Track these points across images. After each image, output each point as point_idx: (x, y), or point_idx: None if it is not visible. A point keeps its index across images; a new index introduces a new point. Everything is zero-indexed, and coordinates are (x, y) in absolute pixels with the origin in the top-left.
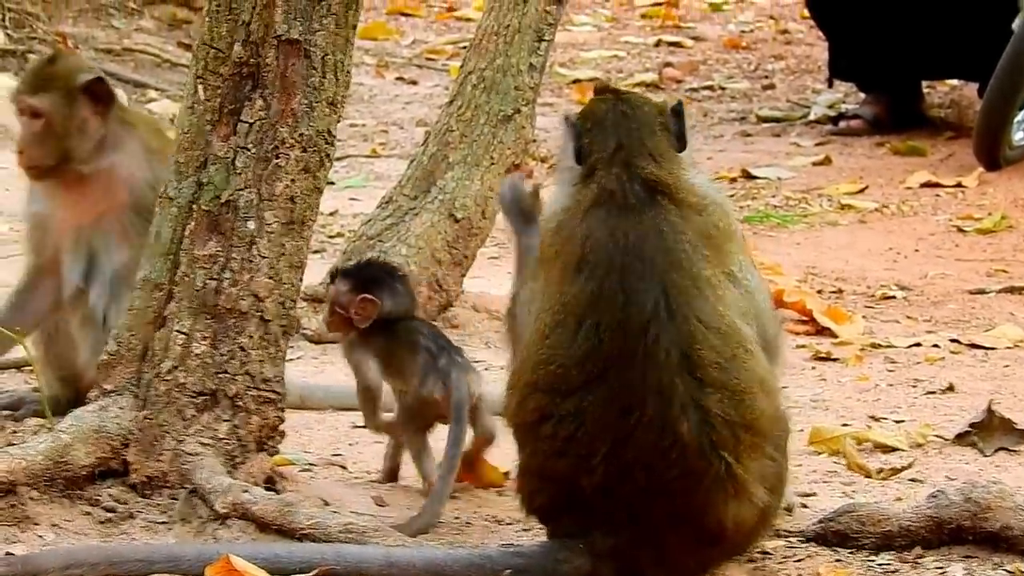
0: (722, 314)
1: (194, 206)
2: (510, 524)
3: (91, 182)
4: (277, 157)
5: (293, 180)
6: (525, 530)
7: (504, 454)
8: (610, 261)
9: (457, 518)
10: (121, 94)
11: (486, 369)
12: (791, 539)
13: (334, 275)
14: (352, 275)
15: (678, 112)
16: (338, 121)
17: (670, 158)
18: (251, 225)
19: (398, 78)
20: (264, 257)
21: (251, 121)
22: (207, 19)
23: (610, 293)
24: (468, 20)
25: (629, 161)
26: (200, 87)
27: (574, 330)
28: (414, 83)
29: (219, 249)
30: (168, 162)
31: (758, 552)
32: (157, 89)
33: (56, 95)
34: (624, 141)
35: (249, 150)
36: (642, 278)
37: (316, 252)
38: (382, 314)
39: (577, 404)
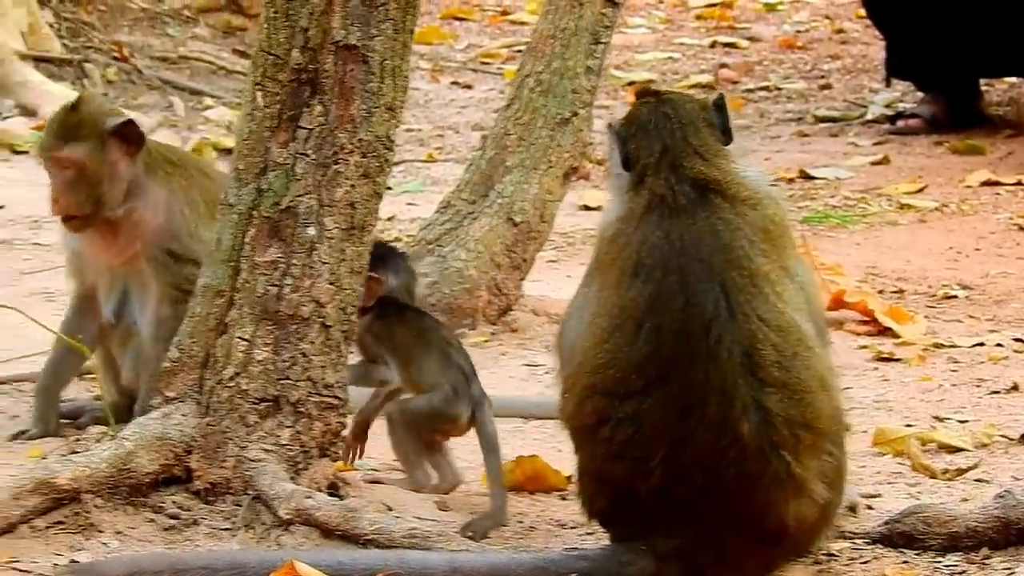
0: (781, 311)
1: (254, 212)
2: (573, 528)
3: (118, 226)
4: (337, 163)
5: (353, 185)
6: (588, 533)
7: (566, 458)
8: (667, 264)
9: (520, 522)
10: (177, 102)
11: (546, 373)
12: (856, 541)
13: None
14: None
15: (720, 106)
16: (397, 126)
17: (717, 153)
18: (311, 231)
19: (453, 82)
20: (325, 263)
21: (310, 127)
22: (265, 26)
23: (669, 295)
24: (521, 23)
25: (676, 163)
26: (259, 94)
27: (633, 333)
28: (469, 87)
29: (280, 255)
30: (198, 201)
31: (823, 554)
32: (213, 96)
33: (88, 143)
34: (669, 143)
35: (309, 156)
36: (701, 279)
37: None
38: (387, 292)
39: (636, 407)
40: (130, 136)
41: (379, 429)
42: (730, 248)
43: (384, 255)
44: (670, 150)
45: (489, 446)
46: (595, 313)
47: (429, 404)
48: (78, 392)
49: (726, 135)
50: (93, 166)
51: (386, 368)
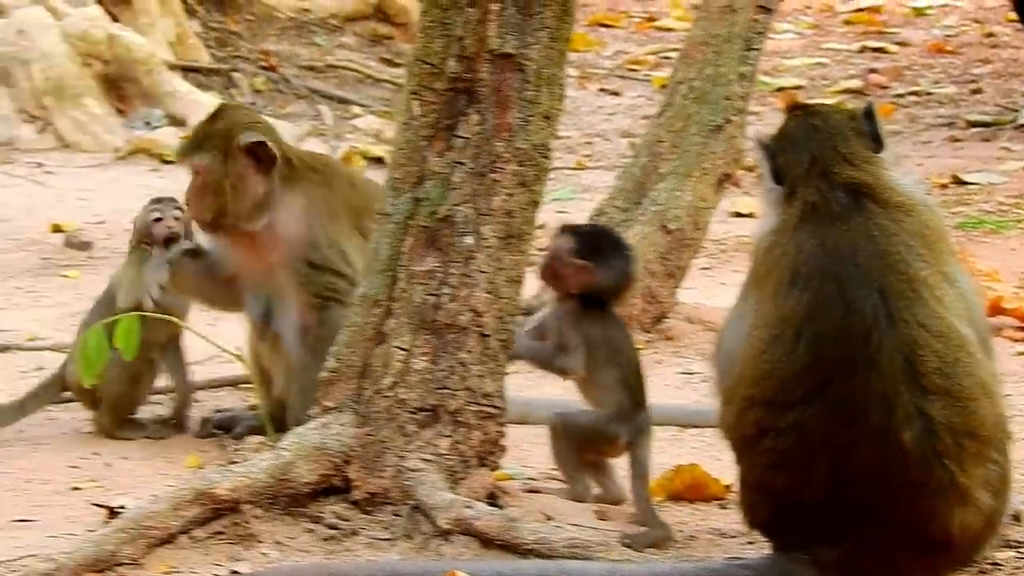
0: (941, 317)
1: (411, 222)
2: (734, 537)
3: (257, 239)
4: (493, 172)
5: (510, 194)
6: (749, 543)
7: (725, 467)
8: (824, 271)
9: (680, 531)
10: (325, 111)
11: (702, 381)
12: (1021, 549)
13: (563, 229)
14: (578, 235)
15: (869, 114)
16: (553, 134)
17: (868, 160)
18: (469, 240)
19: (601, 89)
20: (483, 272)
21: (467, 136)
22: (421, 35)
23: (828, 303)
24: (668, 30)
25: (826, 170)
26: (415, 103)
27: (792, 343)
28: (617, 94)
29: (437, 264)
30: (339, 211)
31: (988, 563)
32: (360, 105)
33: (214, 153)
34: (817, 153)
35: (465, 165)
36: (859, 285)
37: (529, 266)
38: (596, 287)
39: (797, 417)
40: (261, 155)
41: (533, 436)
42: (887, 253)
43: (601, 244)
44: (819, 160)
45: (638, 472)
46: (753, 324)
47: (592, 421)
48: (234, 402)
49: (877, 143)
50: (218, 177)
51: (571, 359)
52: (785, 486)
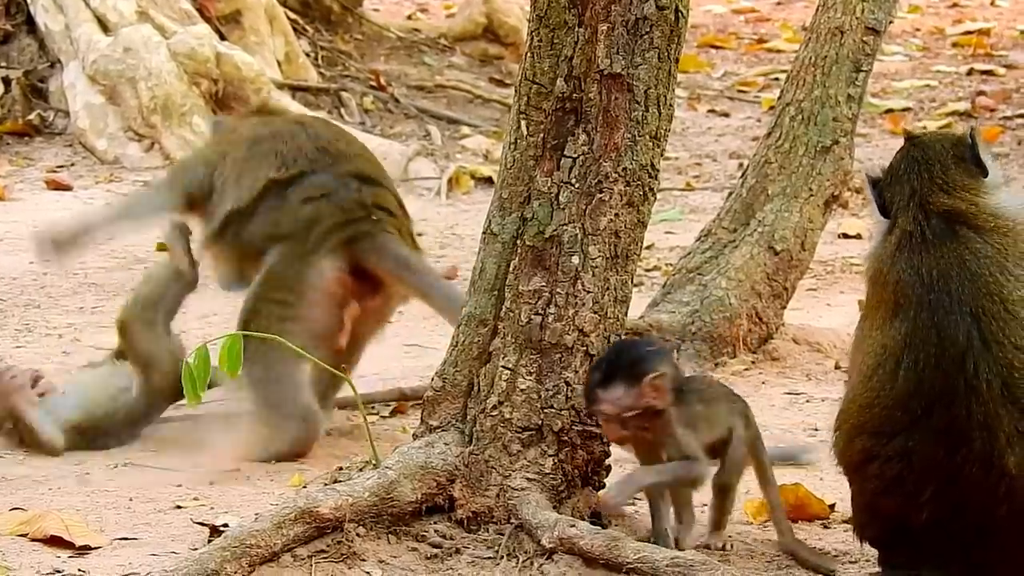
0: None
1: (518, 241)
2: (836, 556)
3: None
4: (601, 191)
5: (617, 214)
6: (852, 562)
7: (828, 486)
8: (920, 300)
9: (784, 553)
10: (434, 131)
11: (807, 402)
12: None
13: (591, 397)
14: (612, 376)
15: (972, 139)
16: (662, 155)
17: (966, 187)
18: (575, 260)
19: (710, 110)
20: (589, 292)
21: (574, 156)
22: (529, 54)
23: (923, 331)
24: (778, 51)
25: (923, 200)
26: (523, 122)
27: (893, 371)
28: (726, 115)
29: (543, 284)
30: None
31: None
32: (470, 125)
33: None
34: (916, 184)
35: (573, 185)
36: (951, 311)
37: (635, 286)
38: (674, 384)
39: (903, 444)
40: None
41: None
42: (978, 277)
43: (649, 353)
44: (917, 191)
45: (765, 480)
46: (864, 352)
47: (740, 442)
48: (339, 421)
49: (980, 168)
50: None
51: (702, 464)
52: (895, 510)
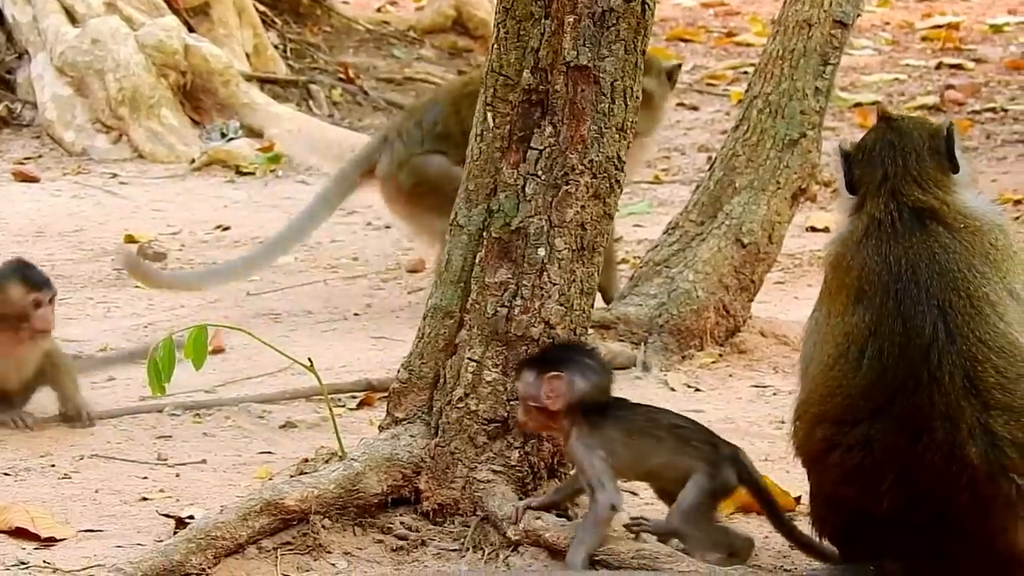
0: (1004, 333)
1: (484, 233)
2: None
3: None
4: (567, 183)
5: (583, 206)
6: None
7: (793, 479)
8: (885, 289)
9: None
10: None
11: (774, 394)
12: None
13: (517, 371)
14: (533, 362)
15: (948, 134)
16: (628, 147)
17: (939, 182)
18: (541, 252)
19: (679, 104)
20: (555, 284)
21: (540, 148)
22: (495, 46)
23: (888, 320)
24: (748, 45)
25: (896, 189)
26: (489, 114)
27: (857, 359)
28: (695, 109)
29: (510, 276)
30: None
31: None
32: None
33: None
34: (890, 170)
35: (539, 177)
36: (918, 302)
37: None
38: (579, 396)
39: (864, 433)
40: None
41: None
42: (947, 271)
43: (567, 357)
44: (890, 177)
45: (764, 500)
46: (823, 340)
47: (699, 489)
48: (305, 414)
49: (952, 164)
50: None
51: (607, 491)
52: (854, 500)
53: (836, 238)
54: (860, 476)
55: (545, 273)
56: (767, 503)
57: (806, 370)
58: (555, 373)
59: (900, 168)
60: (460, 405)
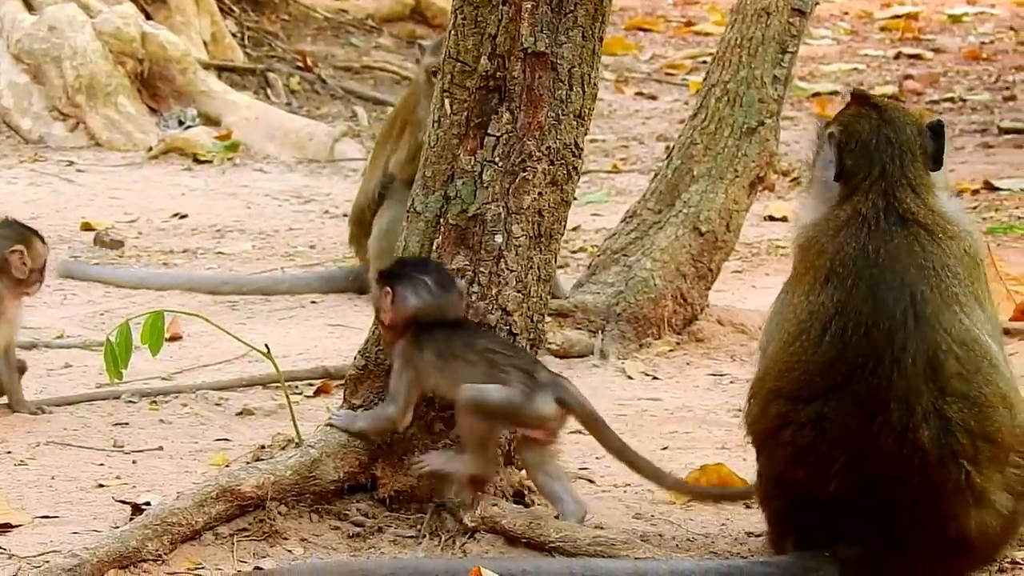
0: (968, 328)
1: (441, 220)
2: (759, 536)
3: None
4: (524, 170)
5: (541, 193)
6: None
7: (751, 466)
8: (859, 271)
9: (705, 530)
10: (361, 112)
11: (731, 382)
12: None
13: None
14: (382, 274)
15: (937, 133)
16: (585, 133)
17: (925, 183)
18: (499, 239)
19: (637, 93)
20: (512, 271)
21: (498, 134)
22: (453, 33)
23: (858, 300)
24: (706, 34)
25: (889, 191)
26: (447, 101)
27: (819, 336)
28: (653, 98)
29: (467, 263)
30: None
31: (1007, 562)
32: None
33: None
34: (888, 168)
35: (496, 163)
36: (892, 287)
37: (560, 267)
38: (409, 312)
39: (818, 410)
40: None
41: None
42: (923, 267)
43: (401, 271)
44: (886, 177)
45: (593, 424)
46: (786, 318)
47: (505, 398)
48: (262, 401)
49: (936, 162)
50: None
51: (390, 406)
52: (803, 482)
53: (810, 223)
54: (811, 455)
55: (502, 260)
56: (598, 430)
57: (766, 350)
58: (387, 288)
59: (897, 169)
60: None
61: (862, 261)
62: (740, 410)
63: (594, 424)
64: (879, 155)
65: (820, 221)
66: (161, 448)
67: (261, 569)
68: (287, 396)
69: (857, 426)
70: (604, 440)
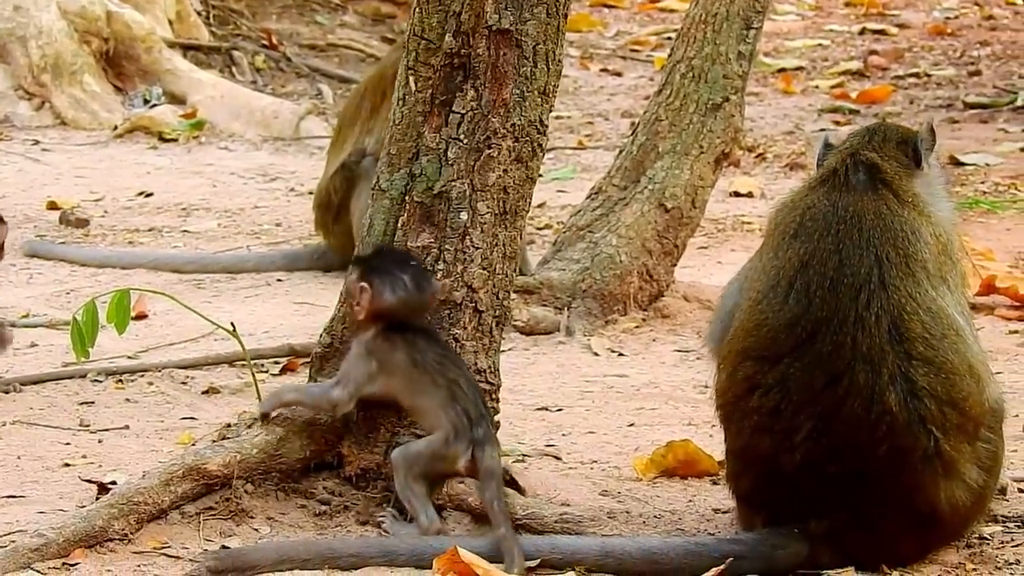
0: (933, 297)
1: (407, 197)
2: (726, 512)
3: None
4: (489, 147)
5: (505, 170)
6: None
7: (718, 444)
8: (827, 226)
9: (672, 507)
10: (326, 90)
11: (698, 359)
12: (1008, 524)
13: (349, 268)
14: (359, 262)
15: (921, 137)
16: (550, 110)
17: (899, 163)
18: (464, 216)
19: (602, 69)
20: (477, 248)
21: (463, 111)
22: (417, 10)
23: (824, 255)
24: (671, 11)
25: (855, 151)
26: (411, 78)
27: (786, 292)
28: (619, 74)
29: (432, 240)
30: None
31: (975, 537)
32: None
33: None
34: (855, 141)
35: (461, 141)
36: (858, 246)
37: (526, 244)
38: (382, 308)
39: (784, 372)
40: None
41: (527, 412)
42: (891, 229)
43: (381, 264)
44: (854, 145)
45: (486, 483)
46: (754, 278)
47: (429, 447)
48: (228, 379)
49: (916, 161)
50: None
51: (337, 390)
52: (771, 450)
53: (787, 194)
54: (777, 421)
55: (467, 237)
56: (484, 489)
57: (728, 310)
58: (364, 284)
59: (865, 141)
60: None
61: (832, 217)
62: (706, 386)
63: (487, 483)
64: (852, 139)
65: (795, 188)
66: (127, 427)
67: (227, 548)
68: (253, 374)
69: (823, 387)
70: (482, 495)
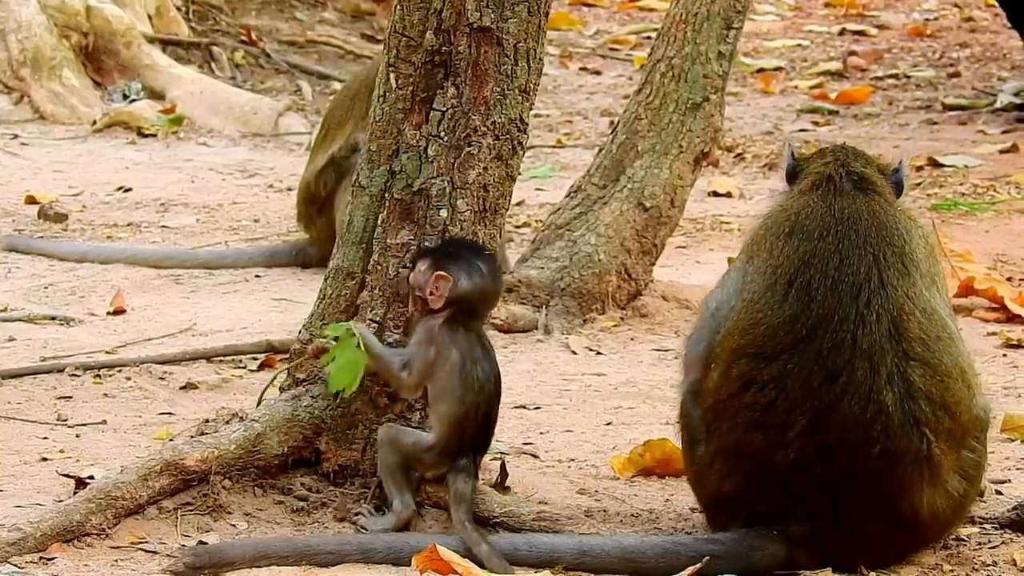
0: (927, 298)
1: (386, 195)
2: (703, 512)
3: None
4: (469, 145)
5: (486, 168)
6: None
7: None
8: (826, 226)
9: (650, 506)
10: (305, 87)
11: (676, 358)
12: (985, 526)
13: (415, 258)
14: (430, 252)
15: (898, 168)
16: (530, 109)
17: (879, 175)
18: (443, 213)
19: (582, 68)
20: None
21: (443, 109)
22: (398, 7)
23: (825, 254)
24: (651, 10)
25: (841, 161)
26: (392, 75)
27: (784, 290)
28: (598, 73)
29: (411, 237)
30: None
31: (952, 539)
32: (340, 81)
33: None
34: (839, 156)
35: (441, 138)
36: (856, 246)
37: (505, 242)
38: (458, 295)
39: (781, 368)
40: None
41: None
42: (886, 228)
43: (458, 252)
44: (839, 157)
45: (456, 504)
46: (749, 280)
47: (413, 445)
48: (206, 375)
49: (896, 186)
50: None
51: (404, 374)
52: (763, 448)
53: (772, 202)
54: (772, 417)
55: (447, 234)
56: (453, 511)
57: (714, 312)
58: (441, 272)
59: (849, 157)
60: None
61: (829, 217)
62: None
63: (456, 506)
64: (832, 152)
65: (783, 191)
66: (105, 422)
67: (205, 543)
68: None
69: (820, 384)
70: (453, 516)
